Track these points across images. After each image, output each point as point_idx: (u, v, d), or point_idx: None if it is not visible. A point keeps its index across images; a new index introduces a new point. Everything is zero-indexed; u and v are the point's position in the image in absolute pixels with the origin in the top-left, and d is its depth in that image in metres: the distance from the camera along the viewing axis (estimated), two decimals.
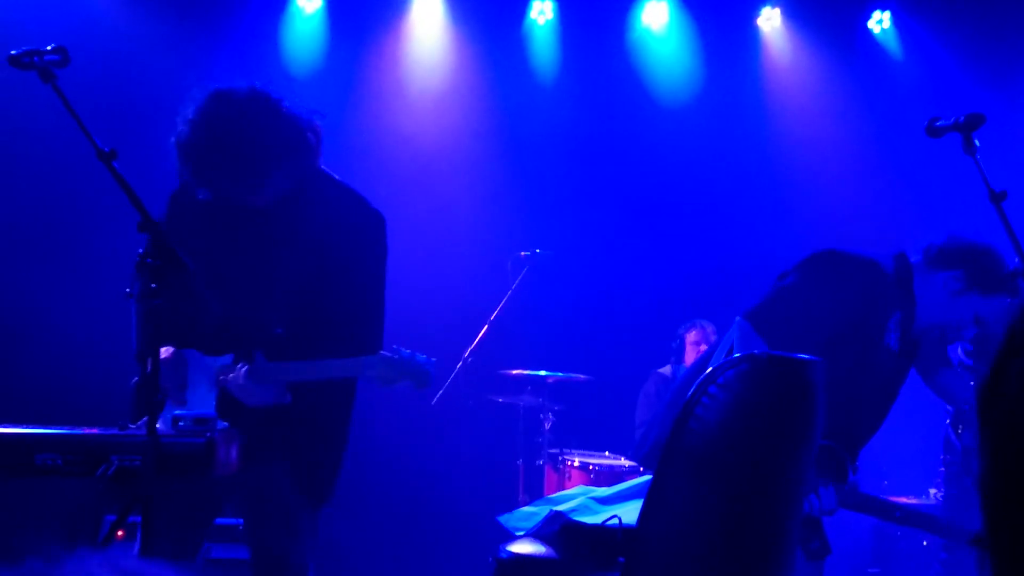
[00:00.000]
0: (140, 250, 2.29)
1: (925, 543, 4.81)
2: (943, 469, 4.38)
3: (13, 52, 2.41)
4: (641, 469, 3.63)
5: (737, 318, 2.84)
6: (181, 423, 2.40)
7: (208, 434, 2.37)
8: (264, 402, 2.68)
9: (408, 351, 2.69)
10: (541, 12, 6.85)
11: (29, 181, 5.66)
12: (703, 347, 5.84)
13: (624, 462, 5.18)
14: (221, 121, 2.59)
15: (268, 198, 2.73)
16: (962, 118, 2.76)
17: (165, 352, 2.78)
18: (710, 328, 5.93)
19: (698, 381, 2.09)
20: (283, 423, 2.67)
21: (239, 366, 2.69)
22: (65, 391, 4.88)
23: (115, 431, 2.43)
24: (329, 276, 2.73)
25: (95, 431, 2.43)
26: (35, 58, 2.41)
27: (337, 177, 2.94)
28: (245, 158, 2.59)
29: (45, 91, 2.45)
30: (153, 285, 2.24)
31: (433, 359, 2.75)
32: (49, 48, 2.42)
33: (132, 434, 2.39)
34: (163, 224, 2.86)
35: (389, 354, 2.67)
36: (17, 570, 0.66)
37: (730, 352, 2.74)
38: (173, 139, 2.64)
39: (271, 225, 2.76)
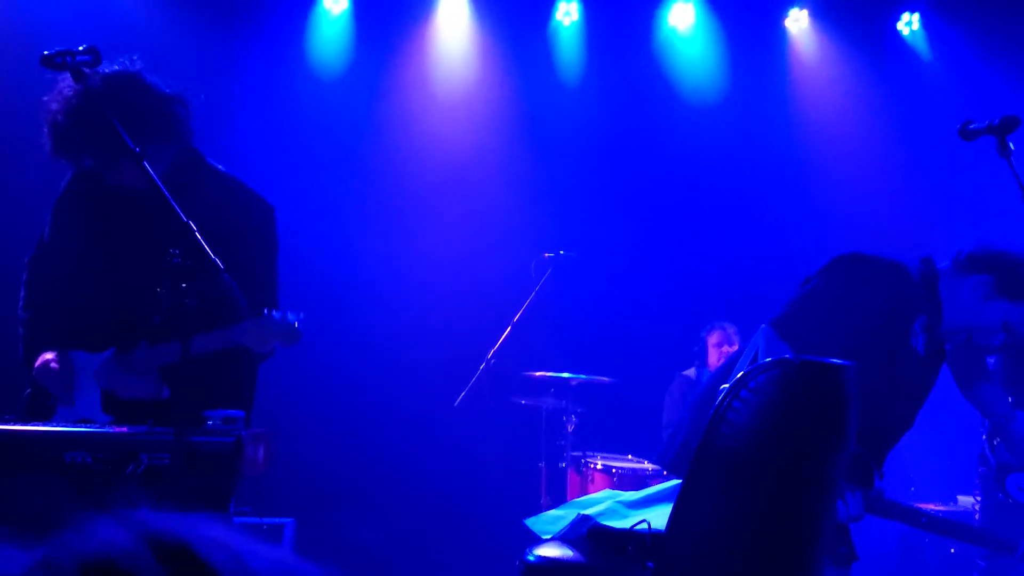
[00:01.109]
0: (172, 249, 2.29)
1: (953, 550, 4.76)
2: (979, 481, 4.34)
3: (46, 52, 2.43)
4: (665, 473, 3.60)
5: (762, 325, 2.82)
6: (210, 422, 2.40)
7: (237, 433, 2.37)
8: (138, 394, 2.71)
9: (278, 312, 2.68)
10: (567, 13, 6.85)
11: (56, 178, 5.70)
12: (725, 349, 5.80)
13: (648, 466, 5.15)
14: (82, 95, 2.64)
15: (132, 172, 2.72)
16: (996, 120, 2.72)
17: (49, 356, 2.82)
18: (731, 330, 5.89)
19: (729, 385, 2.08)
20: (169, 419, 2.58)
21: (114, 358, 2.71)
22: None
23: (144, 429, 2.44)
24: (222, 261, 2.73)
25: (124, 429, 2.44)
26: (67, 58, 2.42)
27: (222, 168, 2.96)
28: (104, 130, 2.60)
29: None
30: (184, 285, 2.24)
31: (301, 315, 2.72)
32: (81, 48, 2.44)
33: (161, 432, 2.40)
34: (50, 216, 2.95)
35: (256, 318, 2.67)
36: (36, 540, 0.66)
37: (755, 359, 2.71)
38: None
39: (150, 213, 2.78)
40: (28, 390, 2.90)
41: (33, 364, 2.85)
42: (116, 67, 2.76)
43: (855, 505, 2.91)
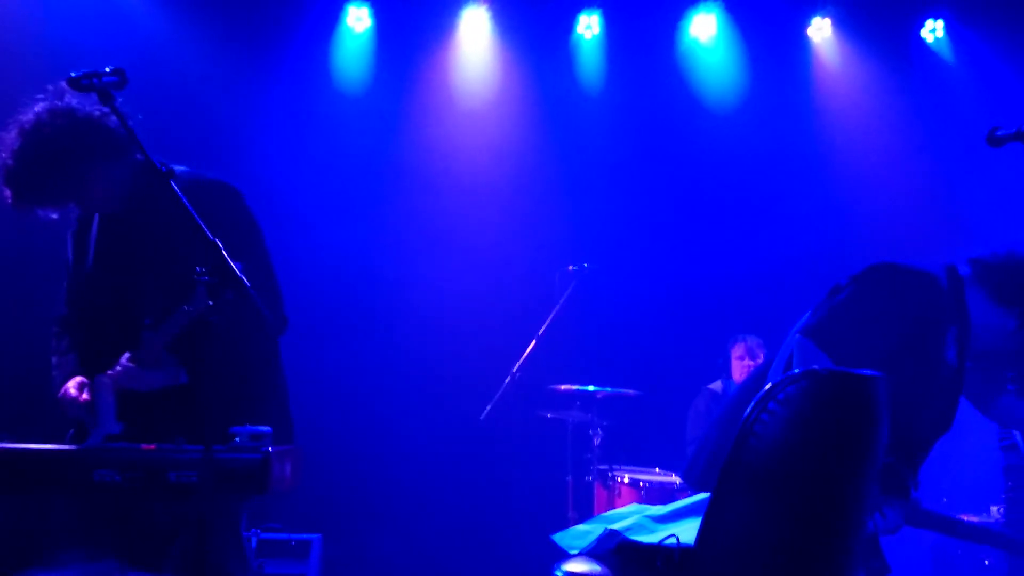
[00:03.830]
0: (199, 268, 2.31)
1: (987, 562, 4.70)
2: (1005, 495, 4.29)
3: (73, 74, 2.46)
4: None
5: (796, 335, 2.79)
6: (237, 439, 2.41)
7: (264, 450, 2.38)
8: (158, 383, 2.71)
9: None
10: (588, 27, 6.85)
11: None
12: (747, 362, 5.76)
13: (675, 479, 5.12)
14: (23, 144, 2.67)
15: (101, 198, 2.80)
16: None
17: (70, 383, 2.83)
18: (754, 342, 5.85)
19: (756, 397, 2.06)
20: (189, 408, 2.58)
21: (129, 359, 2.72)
22: None
23: (172, 447, 2.45)
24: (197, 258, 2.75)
25: (152, 447, 2.46)
26: (94, 80, 2.45)
27: (181, 168, 2.89)
28: (56, 166, 2.67)
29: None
30: (211, 303, 2.26)
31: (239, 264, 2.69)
32: (108, 70, 2.46)
33: (189, 450, 2.41)
34: (70, 251, 2.98)
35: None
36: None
37: (787, 368, 2.69)
38: None
39: (127, 228, 2.81)
40: (71, 431, 2.91)
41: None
42: (39, 105, 2.73)
43: (893, 516, 2.88)
